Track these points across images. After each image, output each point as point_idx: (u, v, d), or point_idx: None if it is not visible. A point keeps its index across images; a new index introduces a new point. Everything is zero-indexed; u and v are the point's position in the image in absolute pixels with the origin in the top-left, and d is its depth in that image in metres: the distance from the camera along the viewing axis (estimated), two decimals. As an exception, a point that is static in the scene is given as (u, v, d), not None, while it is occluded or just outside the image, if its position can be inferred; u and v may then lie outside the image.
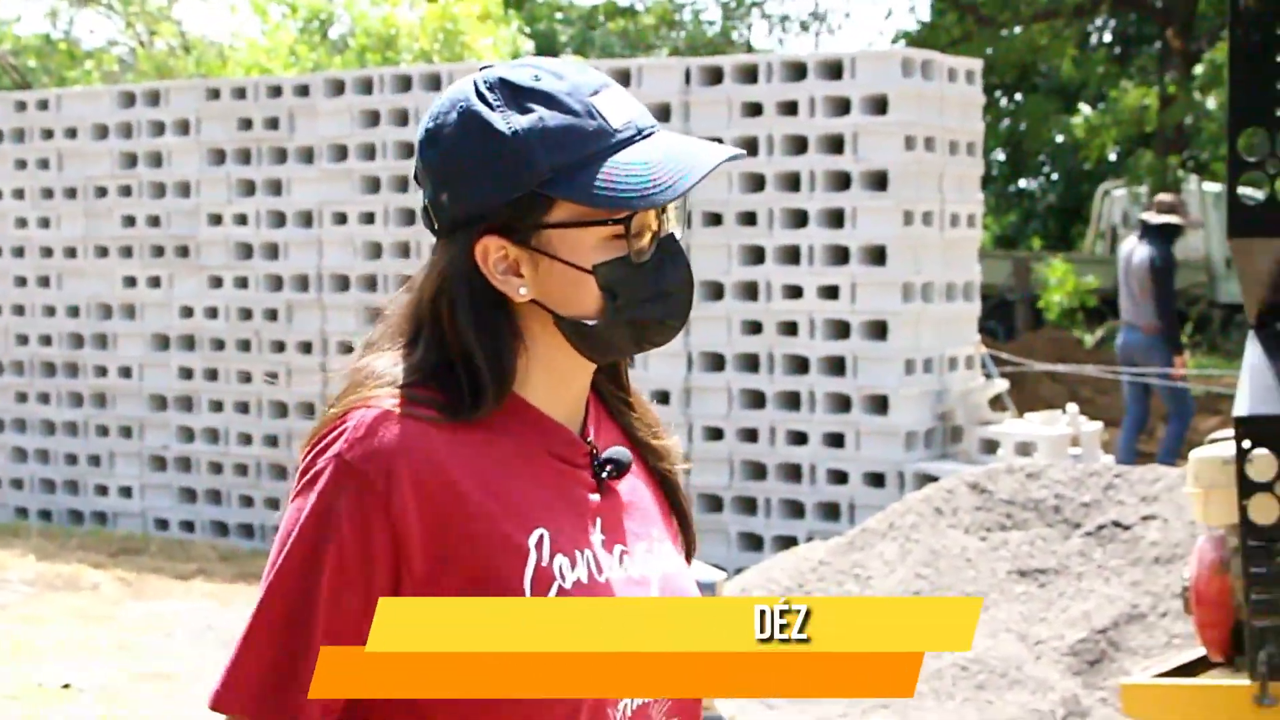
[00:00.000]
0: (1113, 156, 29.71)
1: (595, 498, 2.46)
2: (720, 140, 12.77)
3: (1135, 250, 15.77)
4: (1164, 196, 17.77)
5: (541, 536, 2.34)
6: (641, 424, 2.62)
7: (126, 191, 15.69)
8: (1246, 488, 4.78)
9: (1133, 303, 15.82)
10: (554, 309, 2.38)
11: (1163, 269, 15.39)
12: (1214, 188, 26.79)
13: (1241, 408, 4.82)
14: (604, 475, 2.47)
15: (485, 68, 2.41)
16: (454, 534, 2.31)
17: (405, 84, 14.58)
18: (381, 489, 2.28)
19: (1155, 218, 15.83)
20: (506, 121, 2.34)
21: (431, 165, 2.40)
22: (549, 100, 2.34)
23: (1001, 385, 13.57)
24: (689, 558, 2.62)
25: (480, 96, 2.37)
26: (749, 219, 13.03)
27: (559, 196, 2.33)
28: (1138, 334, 15.94)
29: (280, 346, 14.86)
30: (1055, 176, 38.24)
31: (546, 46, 29.73)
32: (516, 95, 2.35)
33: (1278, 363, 4.91)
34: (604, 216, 2.33)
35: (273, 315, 14.93)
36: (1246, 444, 4.78)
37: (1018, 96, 32.64)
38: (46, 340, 16.13)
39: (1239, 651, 5.07)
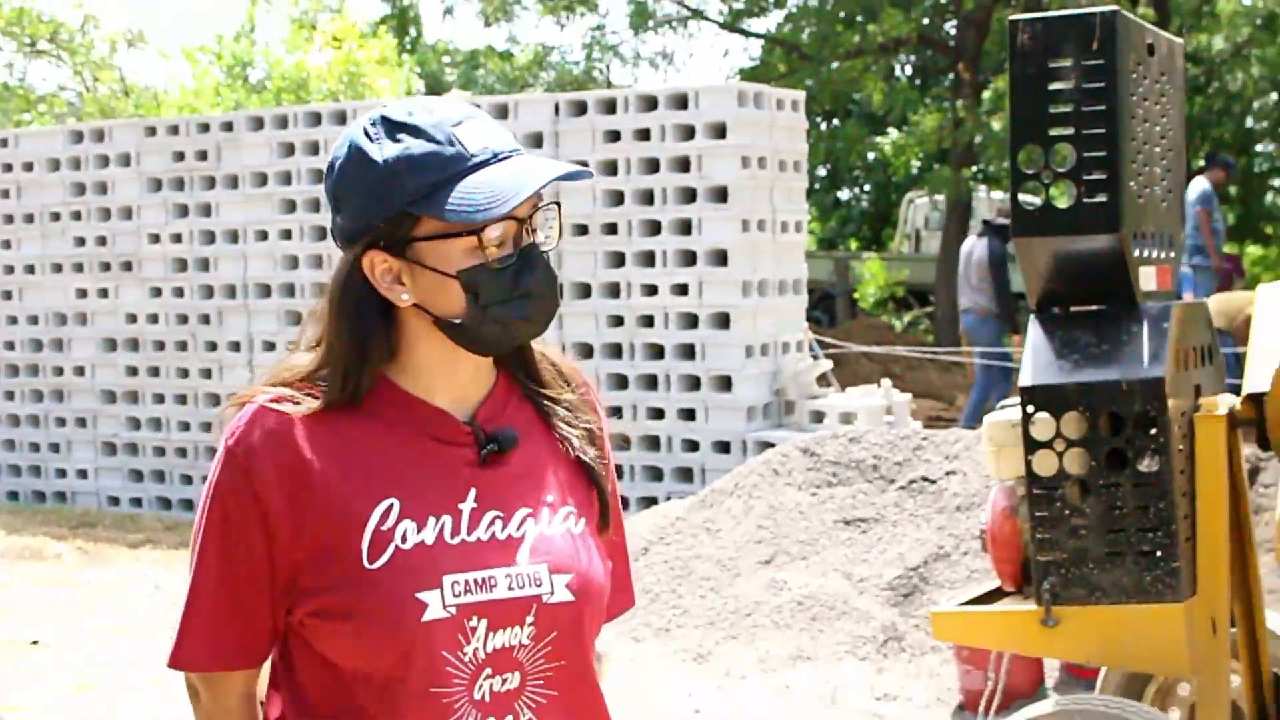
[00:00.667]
0: (915, 170, 29.84)
1: (476, 469, 2.45)
2: (585, 163, 12.74)
3: (976, 247, 16.10)
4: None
5: (391, 505, 2.38)
6: (559, 405, 2.60)
7: (77, 216, 15.55)
8: (1030, 446, 4.81)
9: (970, 290, 16.09)
10: (431, 311, 2.41)
11: (1000, 262, 15.71)
12: (998, 195, 27.10)
13: (1025, 379, 4.85)
14: (484, 452, 2.46)
15: (378, 112, 2.44)
16: (306, 507, 2.37)
17: (316, 120, 14.56)
18: (250, 472, 2.38)
19: (998, 219, 16.17)
20: (380, 151, 2.38)
21: (329, 190, 2.46)
22: (416, 131, 2.38)
23: (826, 365, 13.62)
24: (605, 524, 2.59)
25: (365, 132, 2.41)
26: (611, 229, 13.02)
27: (421, 214, 2.36)
28: (972, 316, 16.30)
29: (213, 346, 14.80)
30: (868, 188, 38.46)
31: (435, 86, 29.61)
32: (391, 129, 2.39)
33: (1054, 341, 4.94)
34: (461, 229, 2.35)
35: (205, 319, 14.87)
36: (1030, 409, 4.81)
37: (835, 122, 32.77)
38: (10, 345, 15.96)
39: (1027, 582, 5.10)
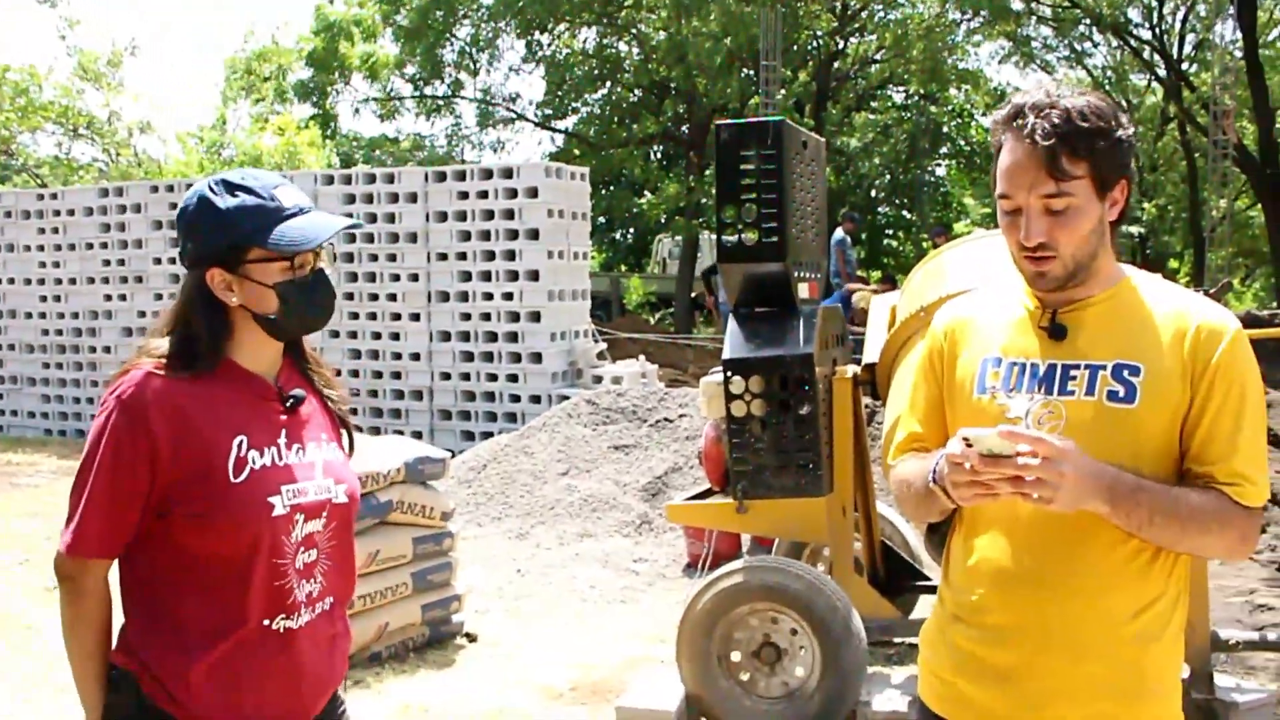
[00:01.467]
0: (662, 220, 29.99)
1: (283, 418, 2.48)
2: (445, 213, 12.73)
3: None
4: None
5: (241, 440, 2.37)
6: (318, 376, 2.63)
7: (104, 245, 15.02)
8: (729, 397, 4.85)
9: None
10: (253, 310, 2.42)
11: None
12: (713, 236, 27.28)
13: (727, 353, 4.87)
14: (287, 404, 2.49)
15: (217, 176, 2.47)
16: (183, 441, 2.32)
17: (266, 182, 14.14)
18: (141, 415, 2.30)
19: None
20: (222, 201, 2.38)
21: (182, 227, 2.46)
22: (249, 190, 2.39)
23: (602, 346, 13.61)
24: (350, 452, 2.64)
25: (210, 187, 2.41)
26: (462, 256, 12.81)
27: (252, 245, 2.37)
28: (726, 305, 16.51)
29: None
30: (632, 231, 38.48)
31: (348, 160, 29.04)
32: (229, 187, 2.40)
33: (743, 329, 4.97)
34: (278, 255, 2.38)
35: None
36: (729, 374, 4.85)
37: (611, 187, 32.80)
38: (58, 332, 15.39)
39: (727, 485, 5.13)
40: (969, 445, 2.12)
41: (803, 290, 5.04)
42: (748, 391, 4.82)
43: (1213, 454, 2.20)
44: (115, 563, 2.41)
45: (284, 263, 2.37)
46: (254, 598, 2.35)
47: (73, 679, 2.41)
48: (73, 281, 15.31)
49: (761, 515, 4.97)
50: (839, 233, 16.99)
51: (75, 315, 15.31)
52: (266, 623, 2.36)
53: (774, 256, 4.83)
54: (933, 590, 5.71)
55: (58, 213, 15.43)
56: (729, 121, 4.96)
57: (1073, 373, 2.26)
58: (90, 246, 15.14)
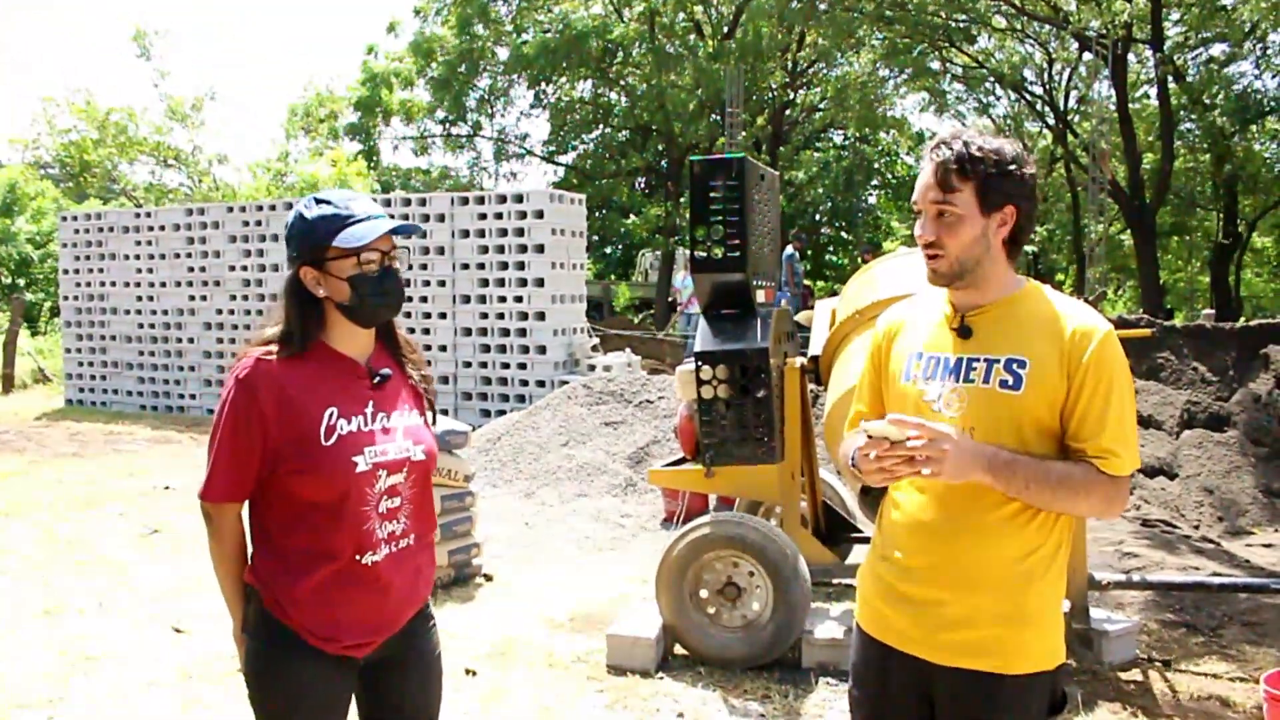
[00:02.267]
0: (645, 237, 29.85)
1: (371, 391, 2.46)
2: (467, 230, 12.67)
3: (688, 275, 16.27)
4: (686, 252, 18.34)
5: (332, 410, 2.37)
6: (407, 358, 2.61)
7: (189, 255, 14.89)
8: (700, 382, 4.85)
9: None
10: (335, 300, 2.41)
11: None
12: (688, 251, 27.13)
13: (697, 347, 4.88)
14: (375, 381, 2.47)
15: (313, 195, 2.47)
16: (285, 411, 2.33)
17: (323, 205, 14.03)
18: (252, 391, 2.33)
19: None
20: (310, 213, 2.39)
21: (286, 237, 2.45)
22: (329, 203, 2.40)
23: (596, 341, 13.58)
24: (433, 420, 2.62)
25: (304, 205, 2.42)
26: (482, 266, 12.74)
27: (330, 244, 2.36)
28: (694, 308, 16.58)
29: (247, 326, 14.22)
30: (620, 247, 38.37)
31: (388, 187, 28.90)
32: (317, 202, 2.40)
33: (712, 327, 4.96)
34: (348, 253, 2.37)
35: (259, 314, 14.23)
36: (700, 363, 4.85)
37: (603, 211, 32.69)
38: (151, 325, 15.26)
39: (698, 454, 5.13)
40: (870, 437, 2.18)
41: (760, 296, 5.05)
42: (715, 378, 4.83)
43: (1085, 432, 2.22)
44: (246, 506, 2.45)
45: (354, 259, 2.37)
46: (344, 535, 2.37)
47: (221, 593, 2.48)
48: (163, 285, 15.19)
49: (725, 479, 4.99)
50: (789, 249, 17.02)
51: (165, 312, 15.18)
52: (357, 556, 2.38)
53: (737, 268, 4.83)
54: (865, 541, 5.74)
55: (151, 229, 15.30)
56: (700, 158, 4.96)
57: (974, 364, 2.29)
58: (177, 256, 15.01)
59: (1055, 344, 2.23)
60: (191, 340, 14.97)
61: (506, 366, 12.78)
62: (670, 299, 27.23)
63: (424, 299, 13.10)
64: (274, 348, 2.39)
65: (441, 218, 12.99)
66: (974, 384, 2.28)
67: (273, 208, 14.58)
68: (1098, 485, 2.21)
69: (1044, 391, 2.23)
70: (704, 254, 4.88)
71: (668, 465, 5.43)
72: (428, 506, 2.55)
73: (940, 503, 2.31)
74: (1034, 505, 2.23)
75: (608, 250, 39.25)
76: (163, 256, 15.18)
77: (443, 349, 13.06)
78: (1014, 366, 2.25)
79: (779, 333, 5.07)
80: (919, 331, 2.42)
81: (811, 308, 18.79)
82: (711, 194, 4.84)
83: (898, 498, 2.41)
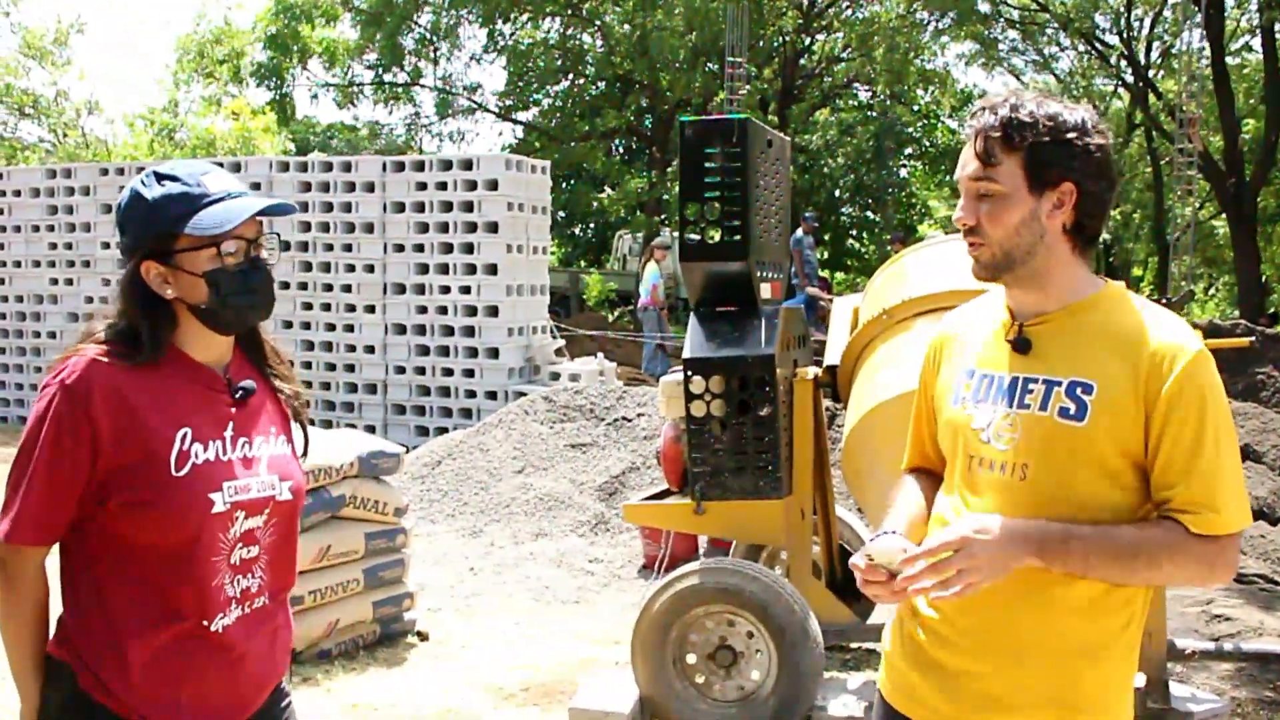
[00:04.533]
0: (623, 216, 29.94)
1: (231, 410, 2.46)
2: (402, 203, 12.68)
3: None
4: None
5: (185, 432, 2.35)
6: (273, 369, 2.61)
7: (50, 229, 14.83)
8: (689, 397, 4.87)
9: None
10: (187, 301, 2.38)
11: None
12: (675, 234, 27.28)
13: (687, 353, 4.90)
14: (236, 396, 2.47)
15: (149, 169, 2.46)
16: (128, 428, 2.30)
17: (220, 167, 14.00)
18: (84, 401, 2.28)
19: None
20: (150, 192, 2.37)
21: (117, 222, 2.44)
22: (174, 179, 2.38)
23: (561, 343, 13.60)
24: (304, 447, 2.63)
25: (140, 181, 2.40)
26: (419, 248, 12.77)
27: (177, 232, 2.34)
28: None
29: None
30: (592, 226, 38.42)
31: (304, 147, 28.86)
32: (158, 178, 2.39)
33: (705, 328, 4.98)
34: (205, 242, 2.35)
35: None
36: (690, 373, 4.86)
37: (571, 182, 32.72)
38: (2, 316, 15.22)
39: (686, 486, 5.14)
40: (870, 561, 2.22)
41: (765, 290, 5.08)
42: (708, 391, 4.84)
43: (1169, 481, 2.19)
44: (55, 551, 2.39)
45: (212, 250, 2.34)
46: (188, 591, 2.34)
47: (9, 668, 2.39)
48: (17, 265, 15.10)
49: (719, 517, 5.00)
50: (797, 233, 17.08)
51: (19, 299, 15.10)
52: (204, 621, 2.36)
53: (736, 255, 4.85)
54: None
55: (2, 193, 15.23)
56: (694, 119, 4.98)
57: (1031, 386, 2.29)
58: (36, 229, 14.95)
59: (1130, 365, 2.21)
60: (53, 335, 14.91)
61: (449, 373, 12.79)
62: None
63: (347, 288, 13.12)
64: (110, 352, 2.35)
65: (371, 187, 13.00)
66: (1029, 410, 2.27)
67: (158, 171, 14.56)
68: (1187, 550, 2.17)
69: (1114, 425, 2.21)
70: (696, 237, 4.90)
71: (648, 499, 5.44)
72: (288, 557, 2.55)
73: None
74: (1106, 582, 2.23)
75: (576, 231, 39.35)
76: (16, 229, 15.10)
77: (370, 350, 13.07)
78: (1078, 391, 2.24)
79: (787, 336, 5.10)
80: (973, 344, 2.43)
81: (827, 305, 18.84)
82: (706, 163, 4.86)
83: None
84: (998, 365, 2.35)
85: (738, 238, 4.84)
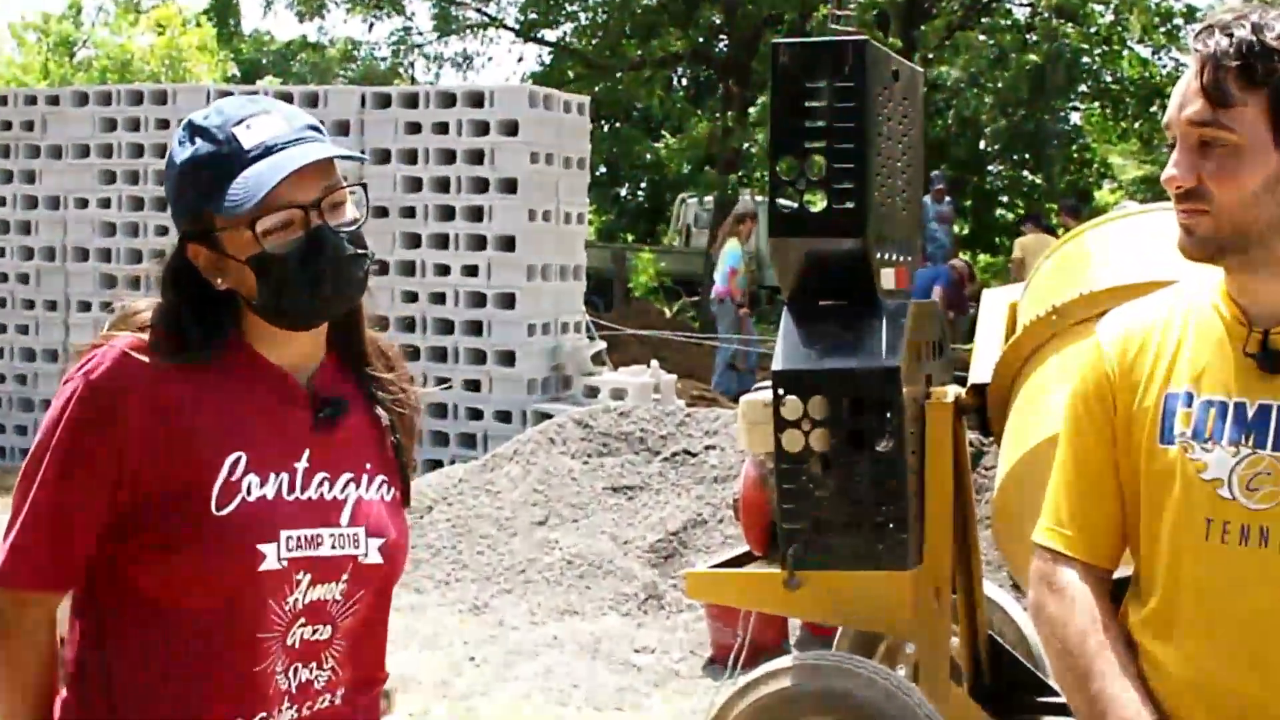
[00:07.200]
0: (686, 172, 30.03)
1: (312, 433, 2.45)
2: (387, 151, 12.74)
3: None
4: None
5: (239, 459, 2.35)
6: (380, 379, 2.61)
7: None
8: (780, 424, 4.84)
9: None
10: (241, 293, 2.40)
11: None
12: (761, 199, 27.29)
13: (778, 364, 4.88)
14: (320, 416, 2.45)
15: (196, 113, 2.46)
16: (164, 447, 2.31)
17: (138, 98, 14.28)
18: (113, 407, 2.30)
19: None
20: (180, 153, 2.39)
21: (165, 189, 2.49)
22: (204, 134, 2.38)
23: (600, 345, 13.64)
24: (407, 502, 2.59)
25: (178, 137, 2.43)
26: (409, 212, 12.92)
27: (208, 210, 2.35)
28: None
29: (30, 304, 14.37)
30: (644, 186, 38.54)
31: (251, 74, 29.11)
32: (191, 133, 2.40)
33: (803, 330, 4.97)
34: (238, 223, 2.34)
35: (24, 279, 14.43)
36: (781, 391, 4.84)
37: (617, 125, 32.81)
38: None
39: (773, 548, 5.13)
40: None
41: (888, 278, 5.05)
42: (806, 418, 4.81)
43: None
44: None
45: (249, 231, 2.35)
46: (224, 681, 2.35)
47: None
48: None
49: (820, 594, 4.98)
50: (924, 200, 17.07)
51: None
52: None
53: (849, 229, 4.83)
54: (1063, 710, 5.67)
55: None
56: (789, 40, 4.98)
57: None
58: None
59: None
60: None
61: (446, 385, 12.83)
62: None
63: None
64: (148, 337, 2.38)
65: (344, 128, 13.12)
66: None
67: (54, 100, 14.68)
68: None
69: None
70: (792, 204, 4.90)
71: (718, 566, 5.43)
72: (375, 643, 2.56)
73: (1270, 655, 2.25)
74: None
75: (623, 193, 39.49)
76: None
77: (336, 353, 13.15)
78: None
79: (919, 342, 5.07)
80: (1181, 355, 2.41)
81: (969, 298, 18.84)
82: (809, 102, 4.85)
83: (1174, 644, 2.34)
84: (1230, 388, 2.33)
85: (851, 205, 4.81)
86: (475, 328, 12.80)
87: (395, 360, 2.66)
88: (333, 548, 2.41)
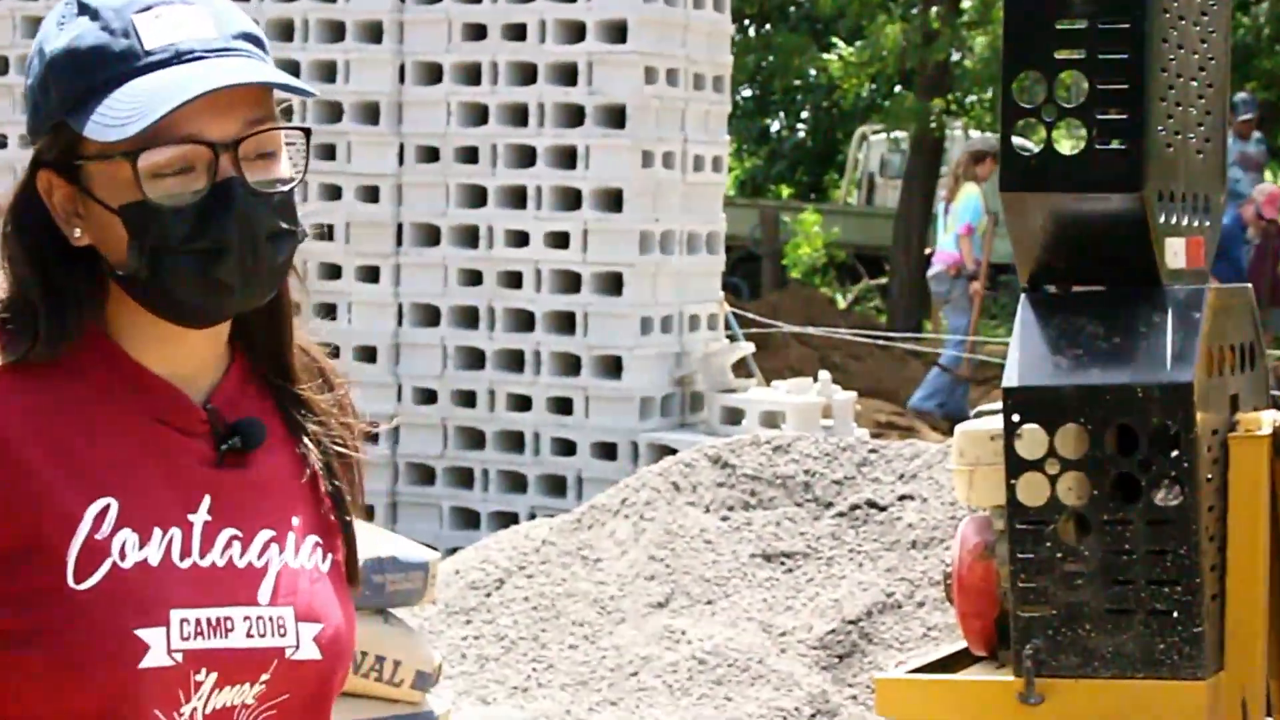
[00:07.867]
0: (870, 97, 30.02)
1: (211, 471, 2.39)
2: (438, 67, 12.79)
3: None
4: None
5: (107, 507, 2.29)
6: (307, 398, 2.54)
7: None
8: (1015, 466, 4.83)
9: None
10: (105, 256, 2.34)
11: None
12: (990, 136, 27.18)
13: (1011, 378, 4.86)
14: (223, 449, 2.40)
15: None
16: (4, 488, 2.27)
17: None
18: None
19: None
20: (54, 41, 2.33)
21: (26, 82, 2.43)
22: (95, 14, 2.31)
23: (747, 348, 13.66)
24: (354, 579, 2.57)
25: (59, 14, 2.37)
26: (469, 155, 13.01)
27: (73, 124, 2.28)
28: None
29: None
30: (807, 117, 38.56)
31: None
32: (80, 10, 2.33)
33: (1050, 329, 4.96)
34: (114, 150, 2.26)
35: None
36: (1015, 418, 4.83)
37: (768, 27, 32.86)
38: None
39: (1003, 644, 5.12)
40: None
41: (1176, 252, 5.06)
42: (1053, 456, 4.83)
43: None
44: None
45: (129, 165, 2.28)
46: None
47: None
48: None
49: (1072, 711, 4.99)
50: (1229, 137, 16.97)
51: None
52: None
53: (1121, 181, 4.85)
54: None
55: None
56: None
57: None
58: None
59: None
60: None
61: (523, 405, 12.95)
62: (927, 249, 26.99)
63: (325, 232, 13.27)
64: None
65: (375, 32, 13.23)
66: None
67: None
68: None
69: None
70: (1034, 146, 4.96)
71: (921, 670, 5.47)
72: None
73: None
74: None
75: (775, 127, 39.49)
76: None
77: (367, 355, 13.22)
78: None
79: (1219, 347, 5.07)
80: None
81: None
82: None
83: None
84: None
85: (1122, 144, 4.83)
86: (565, 322, 12.88)
87: (331, 376, 2.57)
88: (249, 636, 2.37)
